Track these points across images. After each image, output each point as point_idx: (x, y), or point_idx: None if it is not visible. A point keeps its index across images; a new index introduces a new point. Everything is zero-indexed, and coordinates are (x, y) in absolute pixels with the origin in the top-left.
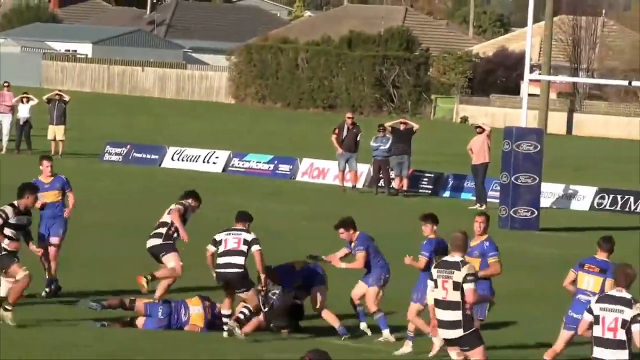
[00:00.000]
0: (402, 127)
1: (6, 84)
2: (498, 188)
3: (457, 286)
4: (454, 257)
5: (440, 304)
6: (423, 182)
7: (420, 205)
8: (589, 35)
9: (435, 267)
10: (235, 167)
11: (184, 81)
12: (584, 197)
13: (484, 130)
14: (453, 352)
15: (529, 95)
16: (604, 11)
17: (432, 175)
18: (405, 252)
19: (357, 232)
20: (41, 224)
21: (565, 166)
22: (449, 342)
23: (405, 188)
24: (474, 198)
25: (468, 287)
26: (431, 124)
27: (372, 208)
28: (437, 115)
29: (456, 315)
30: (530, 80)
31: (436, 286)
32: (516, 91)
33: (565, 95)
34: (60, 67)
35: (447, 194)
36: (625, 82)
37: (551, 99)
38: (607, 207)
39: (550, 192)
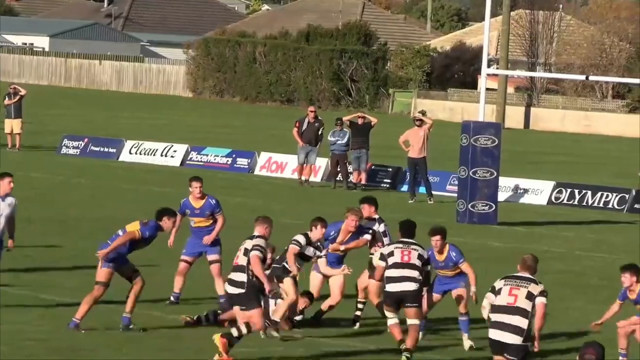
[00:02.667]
0: (360, 121)
1: None
2: (456, 182)
3: (531, 296)
4: (526, 274)
5: (505, 309)
6: (381, 176)
7: (379, 200)
8: (547, 29)
9: (501, 279)
10: (194, 160)
11: (142, 74)
12: (542, 192)
13: (423, 123)
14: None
15: (487, 89)
16: (561, 6)
17: (391, 169)
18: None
19: (447, 243)
20: (190, 239)
21: (523, 160)
22: (499, 346)
23: (363, 182)
24: (425, 193)
25: (541, 300)
26: (389, 118)
27: (330, 202)
28: (395, 110)
29: (523, 323)
30: (488, 75)
31: (499, 294)
32: (474, 85)
33: (523, 90)
34: (17, 60)
35: (405, 188)
36: (583, 77)
37: (509, 94)
38: (565, 202)
39: (508, 186)
